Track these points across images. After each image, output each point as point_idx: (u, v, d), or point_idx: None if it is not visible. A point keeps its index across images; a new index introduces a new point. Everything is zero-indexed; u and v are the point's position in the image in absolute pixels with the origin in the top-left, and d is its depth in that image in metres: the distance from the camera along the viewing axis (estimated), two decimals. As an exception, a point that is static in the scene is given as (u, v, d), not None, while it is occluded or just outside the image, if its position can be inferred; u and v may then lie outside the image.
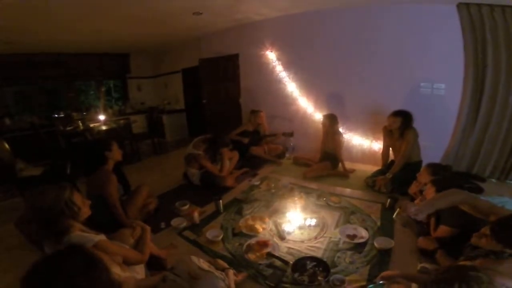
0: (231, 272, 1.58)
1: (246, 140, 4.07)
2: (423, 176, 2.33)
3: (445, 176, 2.18)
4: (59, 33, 3.95)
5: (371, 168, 3.51)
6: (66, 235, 1.23)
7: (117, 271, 0.86)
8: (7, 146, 3.20)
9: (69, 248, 0.89)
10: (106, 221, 2.05)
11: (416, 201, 2.24)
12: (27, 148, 4.17)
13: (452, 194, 1.52)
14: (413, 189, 2.47)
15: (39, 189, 1.30)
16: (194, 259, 1.48)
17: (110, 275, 0.82)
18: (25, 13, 2.93)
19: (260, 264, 1.85)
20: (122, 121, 5.15)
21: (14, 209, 2.79)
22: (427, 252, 1.81)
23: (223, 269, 1.57)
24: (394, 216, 2.19)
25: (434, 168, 2.32)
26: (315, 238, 2.14)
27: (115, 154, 2.31)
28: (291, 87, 4.30)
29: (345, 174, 3.50)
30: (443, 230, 1.79)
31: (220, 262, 1.69)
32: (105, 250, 1.28)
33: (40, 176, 2.98)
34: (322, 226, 2.29)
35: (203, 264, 1.48)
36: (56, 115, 5.43)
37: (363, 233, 2.13)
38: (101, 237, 1.34)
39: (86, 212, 1.42)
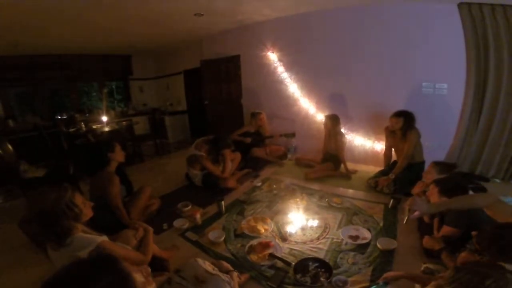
0: (235, 274, 1.58)
1: (248, 140, 4.07)
2: (430, 175, 2.31)
3: (449, 176, 2.16)
4: (64, 33, 3.96)
5: (373, 169, 3.51)
6: (69, 236, 1.24)
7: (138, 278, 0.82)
8: (10, 147, 3.23)
9: (101, 260, 0.77)
10: (109, 222, 2.06)
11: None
12: (30, 149, 4.20)
13: (481, 197, 1.40)
14: (416, 189, 2.46)
15: (40, 190, 1.30)
16: (200, 261, 1.48)
17: None
18: (30, 12, 2.96)
19: (262, 265, 1.85)
20: (124, 123, 5.16)
21: (17, 210, 2.80)
22: (432, 252, 1.79)
23: (227, 271, 1.57)
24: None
25: (441, 166, 2.30)
26: (318, 239, 2.13)
27: (118, 155, 2.33)
28: (293, 88, 4.30)
29: (347, 175, 3.48)
30: (446, 230, 1.78)
31: (224, 264, 1.68)
32: (108, 251, 1.28)
33: (43, 178, 3.00)
34: (324, 227, 2.28)
35: (209, 266, 1.48)
36: (59, 117, 5.44)
37: (366, 234, 2.13)
38: (104, 238, 1.34)
39: (87, 213, 1.42)
